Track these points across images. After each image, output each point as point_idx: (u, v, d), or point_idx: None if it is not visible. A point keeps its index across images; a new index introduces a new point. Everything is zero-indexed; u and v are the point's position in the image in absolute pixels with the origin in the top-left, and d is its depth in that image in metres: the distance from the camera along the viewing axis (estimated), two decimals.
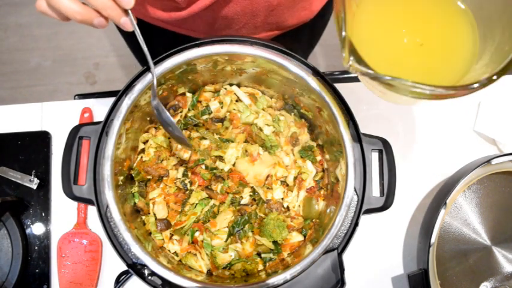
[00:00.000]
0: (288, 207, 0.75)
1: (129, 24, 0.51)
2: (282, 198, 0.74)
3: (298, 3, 0.73)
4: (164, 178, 0.75)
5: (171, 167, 0.75)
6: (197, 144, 0.76)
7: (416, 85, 0.44)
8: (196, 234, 0.72)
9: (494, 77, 0.44)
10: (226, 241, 0.71)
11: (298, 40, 0.96)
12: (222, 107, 0.77)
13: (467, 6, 0.53)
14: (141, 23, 0.83)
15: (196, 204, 0.73)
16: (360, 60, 0.45)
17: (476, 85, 0.44)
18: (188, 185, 0.74)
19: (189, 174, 0.74)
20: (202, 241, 0.72)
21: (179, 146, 0.76)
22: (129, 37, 1.02)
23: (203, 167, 0.75)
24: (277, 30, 0.79)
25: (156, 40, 0.82)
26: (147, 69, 0.65)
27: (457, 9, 0.53)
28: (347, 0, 0.47)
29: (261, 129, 0.77)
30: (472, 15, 0.53)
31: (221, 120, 0.78)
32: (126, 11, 0.51)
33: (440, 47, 0.54)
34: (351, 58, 0.45)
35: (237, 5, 0.67)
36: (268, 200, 0.74)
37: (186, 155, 0.75)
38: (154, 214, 0.73)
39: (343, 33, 0.46)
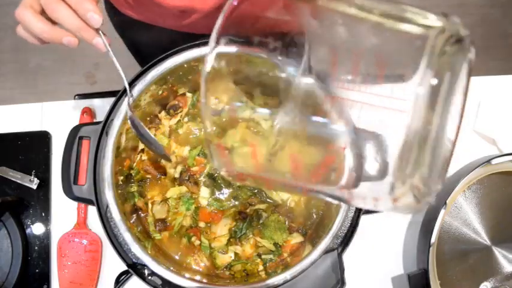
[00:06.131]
0: (290, 207, 0.74)
1: (101, 44, 0.51)
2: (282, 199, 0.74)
3: None
4: (163, 177, 0.75)
5: (170, 165, 0.75)
6: None
7: None
8: (193, 239, 0.72)
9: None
10: (226, 244, 0.71)
11: None
12: None
13: None
14: (139, 22, 0.83)
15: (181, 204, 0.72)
16: None
17: None
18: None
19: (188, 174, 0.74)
20: (199, 245, 0.71)
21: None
22: (128, 40, 1.03)
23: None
24: None
25: (155, 37, 0.82)
26: (147, 69, 0.65)
27: None
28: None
29: None
30: None
31: None
32: (97, 31, 0.51)
33: None
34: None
35: None
36: (270, 200, 0.74)
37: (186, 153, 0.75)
38: (153, 214, 0.73)
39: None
